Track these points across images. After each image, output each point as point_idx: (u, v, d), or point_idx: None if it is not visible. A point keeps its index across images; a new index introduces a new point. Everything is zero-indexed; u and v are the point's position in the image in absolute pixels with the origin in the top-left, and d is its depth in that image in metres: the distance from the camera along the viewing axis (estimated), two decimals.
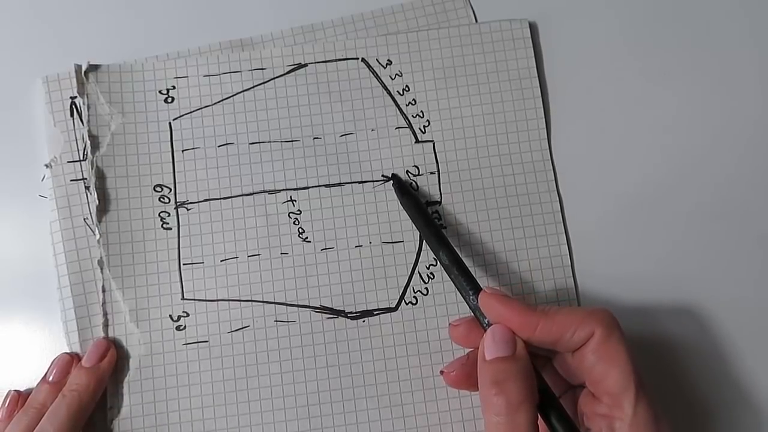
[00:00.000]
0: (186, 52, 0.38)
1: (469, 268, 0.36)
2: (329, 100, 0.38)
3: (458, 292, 0.32)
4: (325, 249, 0.36)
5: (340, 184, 0.37)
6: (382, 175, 0.37)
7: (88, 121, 0.36)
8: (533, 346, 0.29)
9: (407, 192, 0.36)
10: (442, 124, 0.38)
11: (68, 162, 0.37)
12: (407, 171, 0.37)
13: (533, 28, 0.40)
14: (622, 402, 0.27)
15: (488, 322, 0.30)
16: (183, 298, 0.35)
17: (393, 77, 0.38)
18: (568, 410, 0.29)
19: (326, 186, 0.37)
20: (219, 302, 0.36)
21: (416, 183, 0.37)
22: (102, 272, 0.35)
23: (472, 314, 0.31)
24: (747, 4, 0.40)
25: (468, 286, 0.31)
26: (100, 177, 0.36)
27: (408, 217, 0.36)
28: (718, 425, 0.36)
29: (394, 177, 0.37)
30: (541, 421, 0.28)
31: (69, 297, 0.35)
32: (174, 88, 0.37)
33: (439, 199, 0.37)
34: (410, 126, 0.38)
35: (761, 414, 0.36)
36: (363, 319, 0.36)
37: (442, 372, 0.33)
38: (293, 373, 0.35)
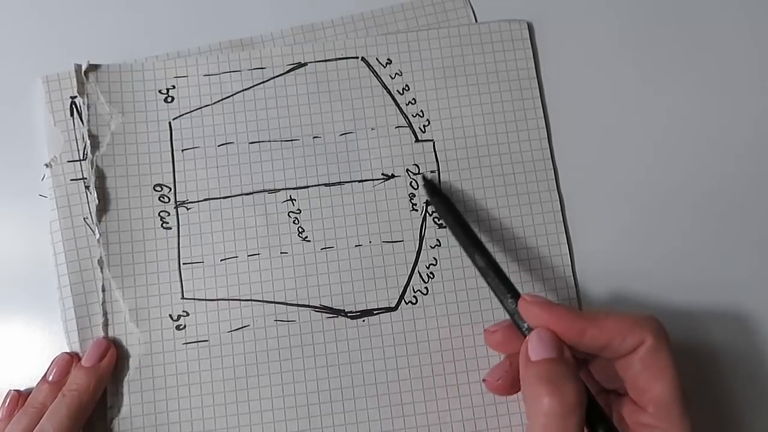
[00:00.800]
0: (186, 52, 0.38)
1: (469, 268, 0.36)
2: (329, 100, 0.38)
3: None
4: (325, 248, 0.36)
5: (340, 183, 0.37)
6: (382, 174, 0.37)
7: (88, 121, 0.36)
8: (575, 351, 0.28)
9: (438, 193, 0.36)
10: (442, 123, 0.38)
11: (68, 162, 0.37)
12: (407, 170, 0.37)
13: (532, 28, 0.40)
14: (669, 414, 0.27)
15: (527, 326, 0.29)
16: (183, 298, 0.35)
17: (393, 76, 0.38)
18: None
19: (326, 185, 0.37)
20: (219, 302, 0.36)
21: (416, 182, 0.37)
22: (102, 272, 0.35)
23: (509, 319, 0.31)
24: (747, 4, 0.40)
25: (506, 289, 0.31)
26: (100, 177, 0.36)
27: (408, 216, 0.36)
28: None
29: (424, 178, 0.37)
30: None
31: (69, 297, 0.35)
32: (174, 87, 0.38)
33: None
34: (410, 125, 0.38)
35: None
36: (363, 319, 0.36)
37: (484, 380, 0.32)
38: (293, 373, 0.35)
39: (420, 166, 0.37)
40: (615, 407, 0.30)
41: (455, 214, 0.35)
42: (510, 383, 0.31)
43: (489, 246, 0.36)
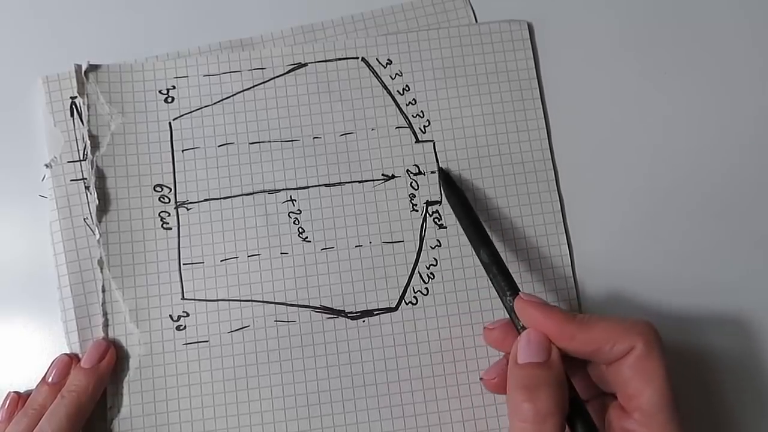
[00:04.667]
0: (186, 52, 0.38)
1: (469, 268, 0.36)
2: (329, 100, 0.38)
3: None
4: (325, 249, 0.36)
5: (340, 184, 0.37)
6: (383, 174, 0.37)
7: (88, 121, 0.36)
8: (568, 353, 0.28)
9: (453, 186, 0.36)
10: (442, 124, 0.38)
11: (68, 162, 0.36)
12: (407, 170, 0.37)
13: (532, 28, 0.40)
14: (653, 422, 0.27)
15: (523, 325, 0.29)
16: (183, 298, 0.35)
17: (393, 77, 0.38)
18: (595, 416, 0.28)
19: (326, 185, 0.37)
20: (219, 302, 0.36)
21: (416, 182, 0.37)
22: (102, 272, 0.35)
23: (508, 317, 0.31)
24: (747, 4, 0.40)
25: (506, 286, 0.31)
26: (100, 177, 0.36)
27: (408, 217, 0.36)
28: None
29: (441, 170, 0.37)
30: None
31: (69, 297, 0.35)
32: (174, 88, 0.37)
33: (439, 199, 0.37)
34: (410, 126, 0.38)
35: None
36: (363, 319, 0.36)
37: (481, 378, 0.33)
38: (293, 373, 0.35)
39: (420, 166, 0.37)
40: (610, 414, 0.29)
41: (467, 207, 0.35)
42: (506, 382, 0.31)
43: None
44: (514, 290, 0.31)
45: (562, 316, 0.28)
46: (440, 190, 0.37)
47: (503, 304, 0.31)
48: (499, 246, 0.37)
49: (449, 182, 0.36)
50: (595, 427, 0.27)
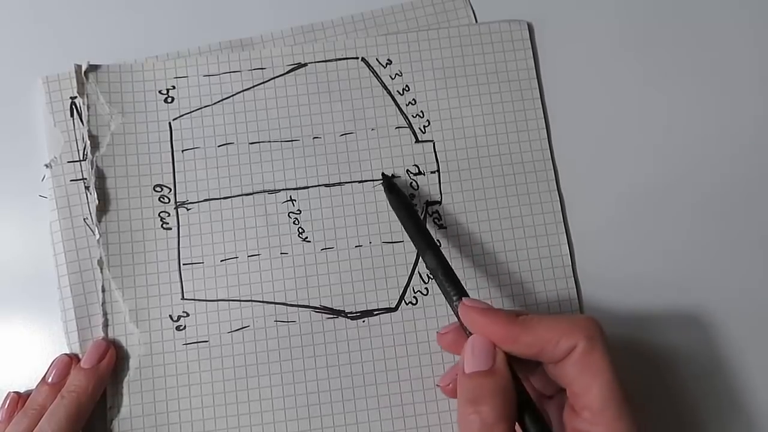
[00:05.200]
0: (186, 52, 0.38)
1: (469, 268, 0.36)
2: (329, 100, 0.38)
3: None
4: (325, 249, 0.36)
5: (340, 184, 0.37)
6: (383, 174, 0.37)
7: (88, 121, 0.36)
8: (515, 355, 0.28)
9: (396, 191, 0.36)
10: (442, 124, 0.38)
11: (68, 162, 0.36)
12: (407, 170, 0.37)
13: (532, 28, 0.40)
14: (602, 419, 0.26)
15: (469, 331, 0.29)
16: (183, 298, 0.35)
17: (393, 77, 0.38)
18: (556, 414, 0.28)
19: (326, 186, 0.37)
20: (219, 302, 0.36)
21: (416, 182, 0.37)
22: (102, 272, 0.35)
23: (458, 321, 0.30)
24: (747, 4, 0.40)
25: (452, 291, 0.30)
26: (100, 177, 0.36)
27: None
28: None
29: (384, 176, 0.37)
30: None
31: (69, 297, 0.35)
32: (174, 88, 0.37)
33: (439, 199, 0.37)
34: (410, 126, 0.38)
35: (756, 424, 0.36)
36: (363, 319, 0.36)
37: (438, 385, 0.32)
38: (293, 373, 0.35)
39: (420, 166, 0.37)
40: (564, 415, 0.29)
41: (411, 212, 0.35)
42: None
43: (489, 246, 0.37)
44: (461, 294, 0.30)
45: (505, 318, 0.28)
46: (440, 190, 0.37)
47: (452, 309, 0.30)
48: (498, 246, 0.37)
49: (393, 188, 0.36)
50: (547, 427, 0.27)
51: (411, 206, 0.35)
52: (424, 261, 0.33)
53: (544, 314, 0.28)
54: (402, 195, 0.36)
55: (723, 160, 0.39)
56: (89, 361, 0.34)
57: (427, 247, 0.32)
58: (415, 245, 0.34)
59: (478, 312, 0.29)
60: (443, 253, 0.32)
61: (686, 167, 0.38)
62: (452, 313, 0.35)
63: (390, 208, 0.37)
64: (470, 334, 0.29)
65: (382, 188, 0.37)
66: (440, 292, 0.36)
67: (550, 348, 0.27)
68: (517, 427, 0.27)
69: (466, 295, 0.30)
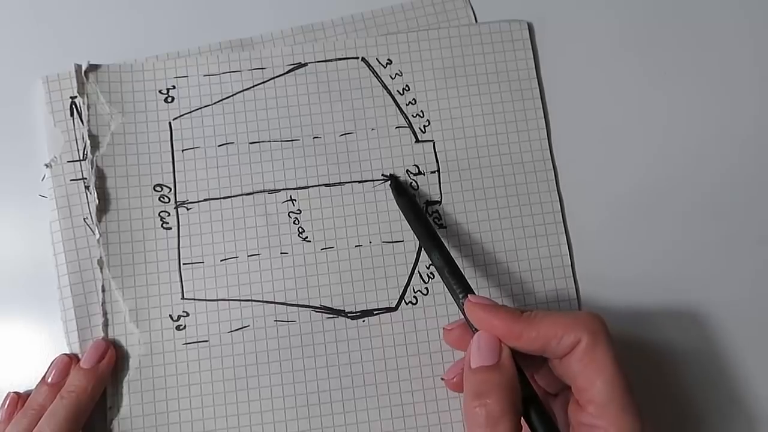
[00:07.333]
0: (186, 52, 0.38)
1: (469, 268, 0.36)
2: (329, 100, 0.38)
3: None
4: (325, 249, 0.36)
5: (340, 184, 0.37)
6: (382, 175, 0.37)
7: (88, 121, 0.36)
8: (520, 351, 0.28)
9: (404, 191, 0.36)
10: (442, 123, 0.38)
11: (68, 162, 0.36)
12: (407, 170, 0.37)
13: (532, 28, 0.40)
14: (606, 413, 0.26)
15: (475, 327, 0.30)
16: (183, 298, 0.35)
17: (393, 77, 0.38)
18: (561, 411, 0.28)
19: (326, 185, 0.37)
20: (219, 302, 0.36)
21: (416, 182, 0.37)
22: (102, 272, 0.35)
23: (464, 318, 0.31)
24: (747, 4, 0.40)
25: (458, 288, 0.31)
26: (100, 177, 0.36)
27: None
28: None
29: (392, 177, 0.37)
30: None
31: (69, 297, 0.35)
32: (174, 87, 0.37)
33: (439, 199, 0.37)
34: (410, 126, 0.38)
35: (756, 421, 0.36)
36: (363, 319, 0.36)
37: (443, 379, 0.33)
38: (293, 373, 0.35)
39: (420, 166, 0.37)
40: (569, 409, 0.29)
41: (417, 211, 0.35)
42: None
43: (488, 246, 0.37)
44: (468, 291, 0.31)
45: (510, 315, 0.28)
46: (440, 190, 0.37)
47: (458, 306, 0.31)
48: (498, 246, 0.37)
49: (399, 188, 0.36)
50: (552, 423, 0.27)
51: (417, 205, 0.36)
52: (430, 259, 0.33)
53: (549, 310, 0.29)
54: (410, 194, 0.36)
55: (723, 160, 0.39)
56: (89, 361, 0.34)
57: (434, 246, 0.33)
58: (422, 244, 0.35)
59: (484, 309, 0.29)
60: (447, 252, 0.33)
61: (686, 167, 0.38)
62: (452, 313, 0.36)
63: (390, 208, 0.37)
64: (476, 330, 0.29)
65: (385, 188, 0.37)
66: (440, 291, 0.36)
67: (554, 343, 0.28)
68: (523, 422, 0.27)
69: (472, 292, 0.31)
